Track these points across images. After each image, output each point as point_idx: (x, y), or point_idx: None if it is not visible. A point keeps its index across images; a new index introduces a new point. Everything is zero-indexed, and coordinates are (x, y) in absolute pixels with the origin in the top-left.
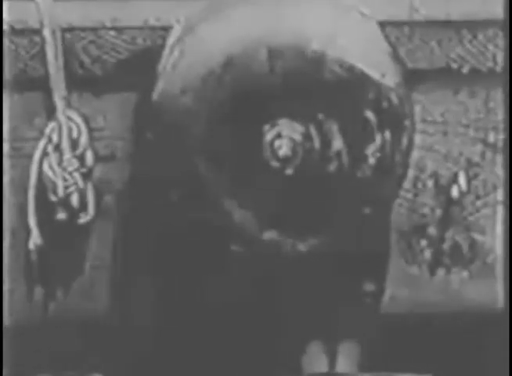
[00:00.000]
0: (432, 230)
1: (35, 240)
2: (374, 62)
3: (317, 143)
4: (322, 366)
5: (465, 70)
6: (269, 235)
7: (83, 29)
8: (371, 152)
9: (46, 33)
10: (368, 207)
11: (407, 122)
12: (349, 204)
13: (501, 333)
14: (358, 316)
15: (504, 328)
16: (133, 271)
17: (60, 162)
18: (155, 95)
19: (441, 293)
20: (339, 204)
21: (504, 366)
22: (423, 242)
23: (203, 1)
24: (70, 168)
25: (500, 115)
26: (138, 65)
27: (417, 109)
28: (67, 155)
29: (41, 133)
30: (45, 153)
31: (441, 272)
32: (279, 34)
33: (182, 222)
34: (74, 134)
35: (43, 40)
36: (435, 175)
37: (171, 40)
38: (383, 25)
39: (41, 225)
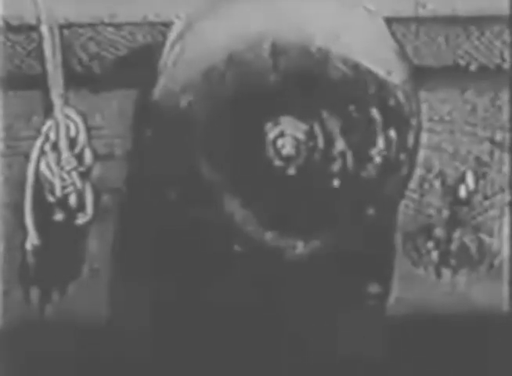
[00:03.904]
0: (439, 231)
1: (32, 240)
2: (380, 59)
3: (321, 142)
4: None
5: (473, 67)
6: (271, 236)
7: (81, 25)
8: (376, 151)
9: (43, 29)
10: (372, 208)
11: (413, 121)
12: (353, 204)
13: (507, 335)
14: (363, 318)
15: (510, 330)
16: (132, 273)
17: (58, 161)
18: (155, 93)
19: (448, 295)
20: (343, 204)
21: (510, 368)
22: (430, 243)
23: None
24: (68, 167)
25: (507, 114)
26: (137, 62)
27: (424, 107)
28: (65, 154)
29: (38, 132)
30: (42, 152)
31: (447, 273)
32: (283, 30)
33: (182, 223)
34: (72, 132)
35: (40, 36)
36: (442, 175)
37: (171, 36)
38: (389, 21)
39: (38, 225)
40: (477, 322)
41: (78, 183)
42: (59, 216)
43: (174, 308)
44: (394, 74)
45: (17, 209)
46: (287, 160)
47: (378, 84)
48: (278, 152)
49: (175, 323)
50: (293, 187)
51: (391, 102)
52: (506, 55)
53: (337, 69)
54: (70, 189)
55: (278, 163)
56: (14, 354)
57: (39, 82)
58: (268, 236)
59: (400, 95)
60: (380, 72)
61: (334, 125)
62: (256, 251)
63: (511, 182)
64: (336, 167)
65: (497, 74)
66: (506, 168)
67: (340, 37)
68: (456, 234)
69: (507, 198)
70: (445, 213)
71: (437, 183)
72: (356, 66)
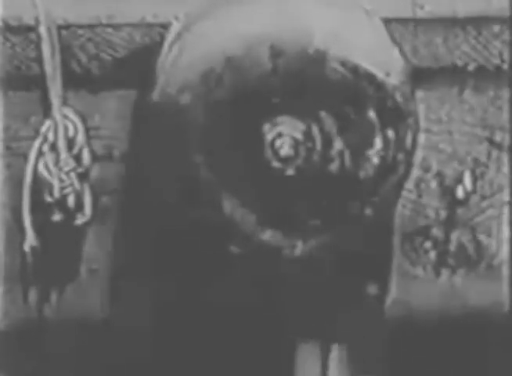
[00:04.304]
0: (437, 231)
1: (30, 241)
2: (378, 60)
3: (319, 143)
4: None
5: (471, 67)
6: (269, 235)
7: (79, 26)
8: (374, 152)
9: (42, 30)
10: (370, 208)
11: (411, 121)
12: (351, 204)
13: (506, 335)
14: (362, 318)
15: (509, 331)
16: (130, 273)
17: (56, 162)
18: (153, 94)
19: (446, 295)
20: (341, 204)
21: (509, 369)
22: (428, 243)
23: None
24: (66, 168)
25: (506, 114)
26: (135, 62)
27: (422, 107)
28: (63, 154)
29: (37, 132)
30: (40, 153)
31: (446, 273)
32: (281, 31)
33: (180, 223)
34: (70, 133)
35: (39, 37)
36: (440, 175)
37: (169, 37)
38: (387, 22)
39: (36, 226)
40: (476, 322)
41: (77, 184)
42: (57, 217)
43: (173, 308)
44: (393, 75)
45: (16, 210)
46: (285, 160)
47: (376, 85)
48: (276, 153)
49: (175, 323)
50: (292, 187)
51: (389, 103)
52: (505, 55)
53: (336, 70)
54: (68, 189)
55: (276, 163)
56: (13, 354)
57: (38, 83)
58: (267, 235)
59: (398, 96)
60: (379, 73)
61: (332, 126)
62: (254, 252)
63: (510, 182)
64: (334, 167)
65: (496, 75)
66: (504, 168)
67: (338, 39)
68: (454, 234)
69: (505, 198)
70: (443, 213)
71: (434, 184)
72: (354, 68)
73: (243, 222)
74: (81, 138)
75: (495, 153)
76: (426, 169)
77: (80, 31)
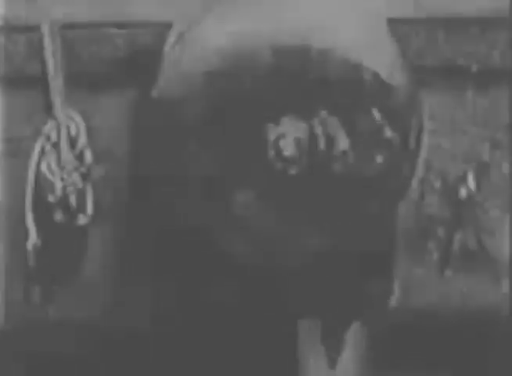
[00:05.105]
0: (440, 232)
1: (33, 241)
2: (381, 59)
3: (322, 143)
4: (323, 370)
5: (473, 67)
6: (275, 231)
7: (82, 25)
8: (377, 151)
9: (44, 29)
10: (373, 208)
11: (414, 121)
12: (355, 204)
13: (508, 336)
14: (364, 318)
15: (511, 333)
16: (133, 273)
17: (58, 161)
18: (155, 93)
19: (449, 295)
20: (344, 204)
21: (510, 372)
22: (431, 244)
23: None
24: (68, 168)
25: (508, 113)
26: (137, 62)
27: (424, 107)
28: (66, 154)
29: (39, 132)
30: (42, 152)
31: (448, 274)
32: (283, 31)
33: (183, 223)
34: (73, 132)
35: (41, 36)
36: (443, 175)
37: (172, 37)
38: (389, 21)
39: (38, 226)
40: (478, 322)
41: (79, 183)
42: (59, 216)
43: (175, 308)
44: (395, 74)
45: (18, 209)
46: (289, 161)
47: (379, 84)
48: (279, 153)
49: (178, 323)
50: (295, 188)
51: (392, 102)
52: (507, 55)
53: (338, 69)
54: (70, 189)
55: (279, 164)
56: (15, 354)
57: (39, 82)
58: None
59: (401, 96)
60: (381, 72)
61: (335, 126)
62: (257, 251)
63: (511, 182)
64: (337, 167)
65: (498, 74)
66: (506, 168)
67: (340, 38)
68: (457, 235)
69: (508, 198)
70: (446, 213)
71: (437, 183)
72: (357, 67)
73: (247, 222)
74: (83, 137)
75: (497, 153)
76: (428, 169)
77: (82, 30)
